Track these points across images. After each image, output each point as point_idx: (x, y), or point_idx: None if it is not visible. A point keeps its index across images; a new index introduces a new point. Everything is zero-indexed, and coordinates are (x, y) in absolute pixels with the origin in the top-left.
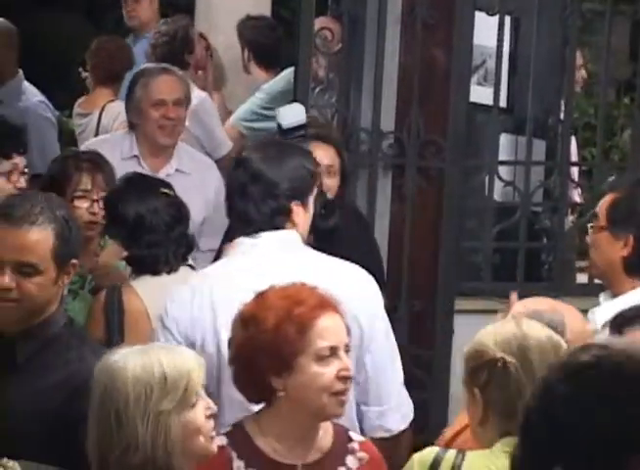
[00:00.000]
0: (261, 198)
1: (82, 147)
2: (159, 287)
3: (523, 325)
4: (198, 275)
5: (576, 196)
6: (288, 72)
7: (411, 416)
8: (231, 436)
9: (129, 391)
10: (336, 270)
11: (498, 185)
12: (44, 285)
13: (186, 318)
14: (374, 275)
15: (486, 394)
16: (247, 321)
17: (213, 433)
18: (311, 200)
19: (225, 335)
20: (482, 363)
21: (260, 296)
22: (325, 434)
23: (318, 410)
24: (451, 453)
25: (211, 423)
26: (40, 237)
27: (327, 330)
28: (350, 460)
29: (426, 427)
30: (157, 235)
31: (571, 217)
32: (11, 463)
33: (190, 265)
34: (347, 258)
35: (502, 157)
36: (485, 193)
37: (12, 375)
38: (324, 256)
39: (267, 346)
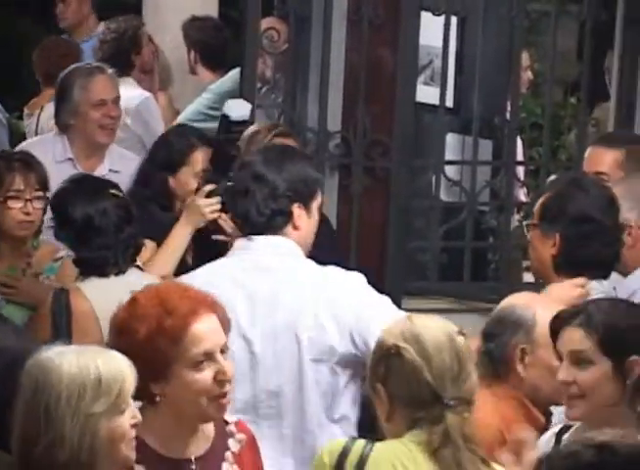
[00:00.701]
0: (263, 199)
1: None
2: (106, 289)
3: (413, 319)
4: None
5: (522, 195)
6: (235, 73)
7: None
8: None
9: (63, 388)
10: (321, 278)
11: (445, 185)
12: None
13: None
14: None
15: (389, 386)
16: (119, 330)
17: (134, 443)
18: (315, 206)
19: None
20: (379, 356)
21: (132, 301)
22: (208, 423)
23: (198, 414)
24: (359, 444)
25: (134, 433)
26: None
27: (200, 336)
28: (232, 443)
29: (373, 425)
30: (105, 237)
31: (517, 217)
32: None
33: (138, 266)
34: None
35: (449, 156)
36: (432, 193)
37: None
38: (314, 265)
39: (140, 356)
